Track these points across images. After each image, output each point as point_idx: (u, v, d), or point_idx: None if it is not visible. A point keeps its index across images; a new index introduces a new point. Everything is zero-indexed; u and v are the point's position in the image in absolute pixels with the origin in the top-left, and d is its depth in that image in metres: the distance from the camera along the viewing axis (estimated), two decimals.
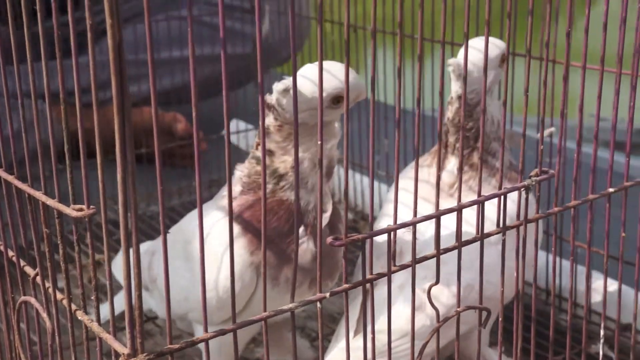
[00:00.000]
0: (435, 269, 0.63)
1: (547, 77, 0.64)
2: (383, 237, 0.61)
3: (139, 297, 0.47)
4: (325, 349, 0.89)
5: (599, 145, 0.73)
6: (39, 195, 0.53)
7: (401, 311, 0.83)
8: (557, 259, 1.05)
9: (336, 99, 0.74)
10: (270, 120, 0.77)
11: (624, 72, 0.72)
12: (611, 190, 0.72)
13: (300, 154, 0.75)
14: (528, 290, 1.04)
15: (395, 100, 0.57)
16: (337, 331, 0.90)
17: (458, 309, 0.64)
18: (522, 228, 0.67)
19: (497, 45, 0.87)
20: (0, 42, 0.55)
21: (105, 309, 0.55)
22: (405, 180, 0.90)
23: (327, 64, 0.73)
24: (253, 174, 0.80)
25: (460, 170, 0.65)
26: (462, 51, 0.86)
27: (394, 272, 0.61)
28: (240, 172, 0.81)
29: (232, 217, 0.52)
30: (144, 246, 1.01)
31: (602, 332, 0.80)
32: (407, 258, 0.63)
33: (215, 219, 0.81)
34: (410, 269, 0.62)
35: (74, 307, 0.54)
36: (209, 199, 0.88)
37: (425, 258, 0.63)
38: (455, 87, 0.89)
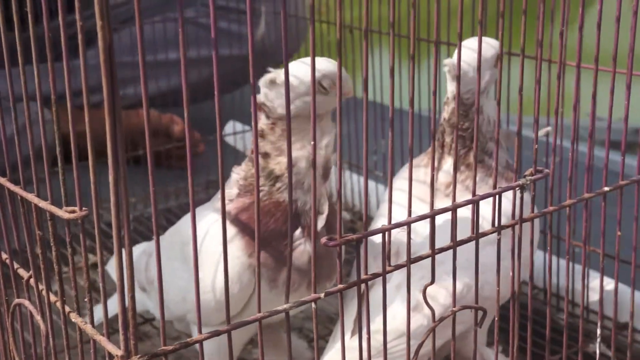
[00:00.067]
0: (431, 269, 0.63)
1: (540, 76, 0.64)
2: (380, 238, 0.61)
3: (132, 298, 0.47)
4: (323, 349, 0.89)
5: (595, 144, 0.73)
6: (31, 197, 0.53)
7: (398, 311, 0.83)
8: (555, 258, 1.06)
9: (321, 84, 0.75)
10: (263, 121, 0.77)
11: (619, 71, 0.72)
12: (606, 189, 0.72)
13: (295, 153, 0.75)
14: (527, 290, 1.04)
15: (389, 100, 0.57)
16: (334, 332, 0.90)
17: (454, 309, 0.64)
18: (517, 227, 0.67)
19: (492, 46, 0.87)
20: None
21: (100, 312, 0.55)
22: (402, 180, 0.90)
23: (308, 58, 0.74)
24: (249, 176, 0.80)
25: (455, 170, 0.65)
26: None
27: (389, 272, 0.61)
28: (237, 174, 0.81)
29: (225, 219, 0.52)
30: (141, 247, 1.01)
31: (598, 331, 0.80)
32: (405, 258, 0.63)
33: (212, 220, 0.81)
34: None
35: (67, 309, 0.54)
36: (206, 201, 0.88)
37: (421, 258, 0.63)
38: (451, 88, 0.89)
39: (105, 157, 0.43)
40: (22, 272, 0.60)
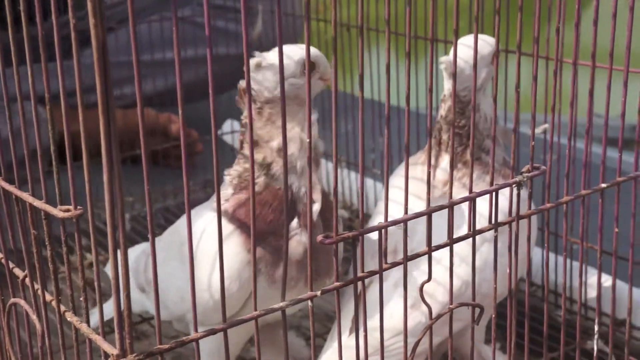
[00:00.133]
0: (428, 266, 0.63)
1: (537, 73, 0.64)
2: (377, 235, 0.60)
3: (128, 297, 0.46)
4: (321, 348, 0.88)
5: (593, 141, 0.73)
6: (26, 196, 0.53)
7: (396, 309, 0.83)
8: (553, 255, 1.06)
9: (304, 66, 0.75)
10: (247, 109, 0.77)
11: (616, 67, 0.72)
12: (604, 185, 0.72)
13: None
14: (525, 287, 1.04)
15: (386, 97, 0.57)
16: (332, 330, 0.90)
17: (451, 306, 0.64)
18: (514, 224, 0.67)
19: (489, 43, 0.87)
20: None
21: (97, 312, 0.54)
22: (400, 178, 0.90)
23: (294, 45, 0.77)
24: (243, 171, 0.80)
25: (452, 167, 0.65)
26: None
27: (386, 269, 0.61)
28: (229, 175, 0.81)
29: (220, 217, 0.52)
30: (140, 247, 1.01)
31: (596, 328, 0.80)
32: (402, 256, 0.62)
33: (209, 219, 0.80)
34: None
35: (63, 308, 0.54)
36: (205, 200, 0.88)
37: (417, 255, 0.63)
38: (448, 85, 0.89)
39: (101, 157, 0.43)
40: (17, 271, 0.59)
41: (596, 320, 0.80)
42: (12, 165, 0.57)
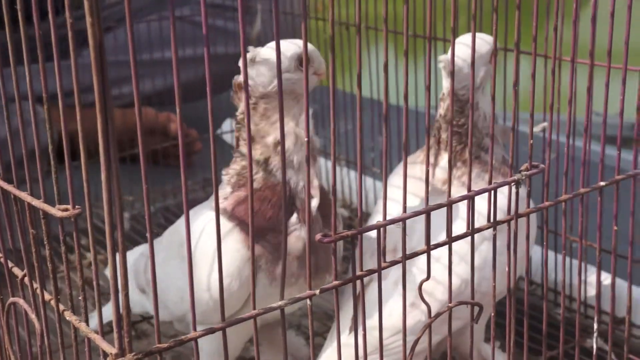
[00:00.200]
0: (427, 265, 0.63)
1: (535, 72, 0.64)
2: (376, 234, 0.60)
3: (126, 295, 0.46)
4: (321, 347, 0.88)
5: (592, 139, 0.73)
6: (24, 195, 0.53)
7: (395, 308, 0.83)
8: (552, 253, 1.06)
9: (301, 61, 0.76)
10: (244, 105, 0.77)
11: (614, 65, 0.72)
12: (602, 183, 0.72)
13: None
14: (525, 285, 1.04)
15: (384, 95, 0.57)
16: (332, 329, 0.90)
17: (450, 305, 0.64)
18: (513, 223, 0.67)
19: (487, 41, 0.87)
20: None
21: (97, 315, 0.54)
22: (399, 176, 0.90)
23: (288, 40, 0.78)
24: (240, 168, 0.80)
25: (450, 166, 0.65)
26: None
27: (384, 268, 0.61)
28: (227, 174, 0.81)
29: (218, 216, 0.52)
30: (140, 249, 1.01)
31: (595, 326, 0.80)
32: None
33: (208, 219, 0.80)
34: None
35: (62, 307, 0.54)
36: (204, 199, 0.88)
37: (416, 254, 0.63)
38: (446, 84, 0.89)
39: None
40: (16, 270, 0.59)
41: (595, 319, 0.80)
42: (11, 165, 0.57)
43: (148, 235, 0.48)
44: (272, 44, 0.76)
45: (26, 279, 0.57)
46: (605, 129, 0.73)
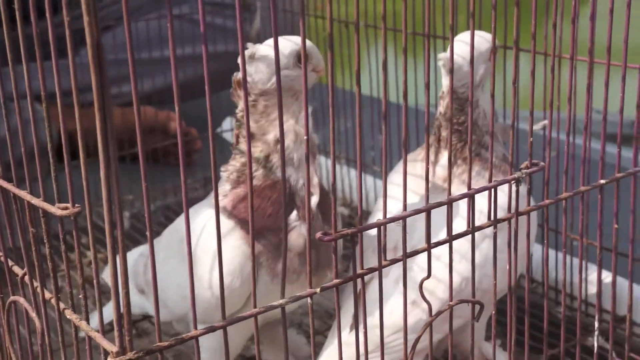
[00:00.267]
0: (427, 263, 0.63)
1: (534, 69, 0.64)
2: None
3: (127, 294, 0.46)
4: (322, 345, 0.88)
5: (592, 137, 0.73)
6: (24, 194, 0.53)
7: (396, 306, 0.83)
8: (553, 251, 1.06)
9: (299, 58, 0.76)
10: (243, 103, 0.77)
11: (613, 63, 0.71)
12: (603, 181, 0.72)
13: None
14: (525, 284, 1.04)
15: (383, 93, 0.57)
16: (333, 327, 0.90)
17: (451, 303, 0.64)
18: (513, 221, 0.67)
19: (486, 39, 0.87)
20: None
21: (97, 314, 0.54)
22: (399, 174, 0.90)
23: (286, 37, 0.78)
24: (240, 165, 0.80)
25: (450, 163, 0.65)
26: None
27: (384, 266, 0.61)
28: (226, 171, 0.81)
29: (218, 214, 0.52)
30: (139, 250, 1.01)
31: (596, 324, 0.80)
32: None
33: (208, 216, 0.80)
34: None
35: (62, 306, 0.54)
36: (204, 198, 0.88)
37: (417, 252, 0.63)
38: (446, 82, 0.89)
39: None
40: (17, 269, 0.59)
41: (596, 317, 0.80)
42: (10, 164, 0.57)
43: (148, 233, 0.48)
44: (271, 41, 0.76)
45: (26, 278, 0.57)
46: (605, 127, 0.72)
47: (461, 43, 0.82)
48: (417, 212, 0.61)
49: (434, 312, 0.63)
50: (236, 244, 0.77)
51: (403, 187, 0.61)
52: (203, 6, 0.46)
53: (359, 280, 0.60)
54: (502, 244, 0.67)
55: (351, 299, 0.86)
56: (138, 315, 1.03)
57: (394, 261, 0.62)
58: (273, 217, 0.77)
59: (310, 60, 0.77)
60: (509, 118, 1.02)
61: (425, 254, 0.63)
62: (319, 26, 1.37)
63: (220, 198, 0.76)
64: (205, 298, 0.78)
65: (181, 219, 0.90)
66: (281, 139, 0.55)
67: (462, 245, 0.69)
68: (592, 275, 1.00)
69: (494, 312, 0.67)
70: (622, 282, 0.93)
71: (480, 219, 0.68)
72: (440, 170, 0.90)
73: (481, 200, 0.67)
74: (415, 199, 0.85)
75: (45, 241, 0.53)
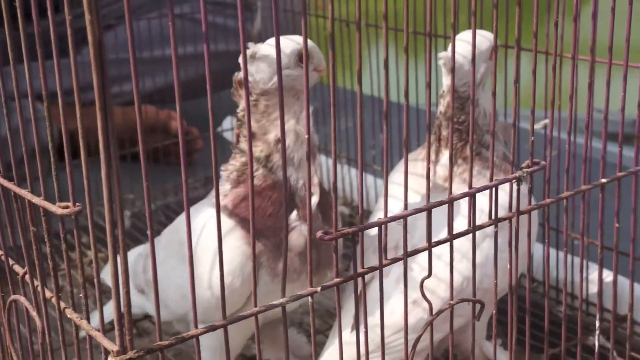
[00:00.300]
0: (428, 262, 0.63)
1: (536, 68, 0.64)
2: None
3: (127, 293, 0.46)
4: (323, 344, 0.88)
5: (593, 136, 0.73)
6: (25, 193, 0.53)
7: (397, 306, 0.83)
8: (554, 250, 1.06)
9: (300, 57, 0.76)
10: (244, 102, 0.77)
11: (615, 62, 0.71)
12: (604, 180, 0.72)
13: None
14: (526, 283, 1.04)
15: (384, 92, 0.57)
16: (334, 326, 0.90)
17: (451, 302, 0.64)
18: (514, 220, 0.67)
19: (487, 38, 0.87)
20: None
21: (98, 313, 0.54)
22: (400, 174, 0.90)
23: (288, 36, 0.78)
24: (240, 164, 0.80)
25: (451, 163, 0.65)
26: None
27: (385, 265, 0.61)
28: (226, 171, 0.81)
29: (219, 213, 0.52)
30: (138, 250, 1.01)
31: (597, 323, 0.80)
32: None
33: (208, 216, 0.80)
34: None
35: (63, 305, 0.54)
36: (205, 197, 0.88)
37: (417, 251, 0.63)
38: (447, 81, 0.89)
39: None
40: (17, 268, 0.59)
41: (597, 316, 0.80)
42: (11, 163, 0.57)
43: (149, 233, 0.48)
44: (272, 40, 0.76)
45: (27, 277, 0.57)
46: (606, 126, 0.72)
47: (462, 42, 0.82)
48: (418, 211, 0.61)
49: (434, 312, 0.63)
50: (237, 243, 0.77)
51: (404, 186, 0.61)
52: (208, 7, 0.46)
53: (359, 280, 0.60)
54: (503, 243, 0.67)
55: (352, 298, 0.86)
56: (138, 315, 1.03)
57: (394, 260, 0.62)
58: (273, 216, 0.77)
59: (311, 59, 0.77)
60: (510, 117, 1.02)
61: (426, 253, 0.63)
62: (319, 25, 1.37)
63: (220, 197, 0.76)
64: (205, 298, 0.78)
65: (181, 219, 0.89)
66: (282, 139, 0.55)
67: (462, 245, 0.69)
68: (593, 275, 1.00)
69: (494, 311, 0.67)
70: (623, 281, 0.93)
71: (481, 218, 0.68)
72: (441, 170, 0.90)
73: (482, 199, 0.67)
74: (416, 198, 0.85)
75: (46, 240, 0.53)
